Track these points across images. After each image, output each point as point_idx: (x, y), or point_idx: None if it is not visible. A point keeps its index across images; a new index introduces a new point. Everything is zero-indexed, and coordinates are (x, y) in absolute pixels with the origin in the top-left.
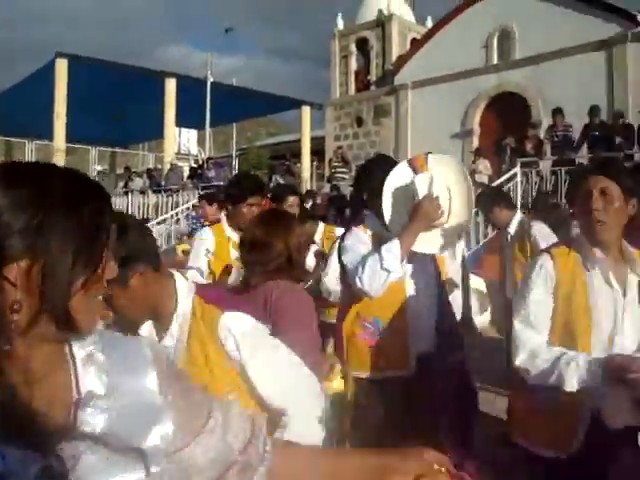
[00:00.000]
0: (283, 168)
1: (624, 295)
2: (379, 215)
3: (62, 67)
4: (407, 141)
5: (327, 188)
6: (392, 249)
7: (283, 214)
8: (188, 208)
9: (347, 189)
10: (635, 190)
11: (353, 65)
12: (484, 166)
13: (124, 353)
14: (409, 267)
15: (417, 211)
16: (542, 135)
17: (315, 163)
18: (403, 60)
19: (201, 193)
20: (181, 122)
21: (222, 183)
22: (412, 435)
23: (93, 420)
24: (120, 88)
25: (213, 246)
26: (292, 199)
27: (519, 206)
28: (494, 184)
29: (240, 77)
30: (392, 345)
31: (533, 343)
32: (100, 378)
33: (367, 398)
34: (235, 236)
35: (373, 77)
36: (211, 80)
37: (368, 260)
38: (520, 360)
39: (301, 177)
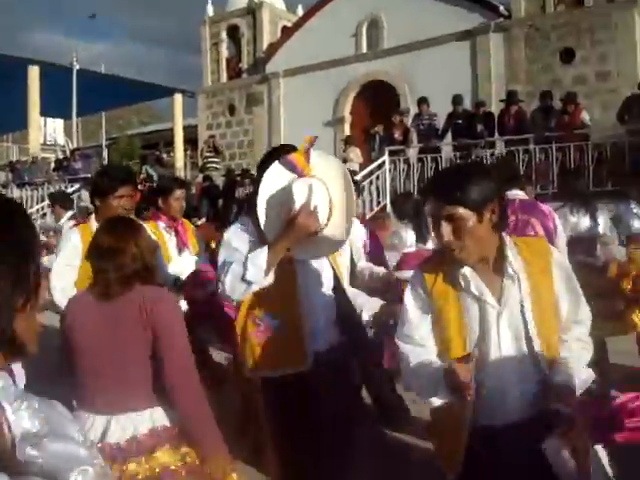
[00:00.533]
0: (153, 158)
1: (500, 303)
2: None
3: None
4: (280, 129)
5: (200, 178)
6: (258, 260)
7: (130, 219)
8: None
9: (219, 179)
10: (488, 196)
11: (224, 53)
12: (355, 154)
13: (52, 407)
14: (301, 261)
15: (292, 224)
16: (410, 122)
17: (189, 152)
18: (274, 48)
19: (70, 186)
20: (47, 111)
21: (90, 175)
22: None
23: (34, 455)
24: None
25: (81, 249)
26: (179, 192)
27: (388, 193)
28: (364, 172)
29: (109, 64)
30: (287, 341)
31: (415, 362)
32: (33, 420)
33: (265, 396)
34: None
35: (245, 65)
36: (77, 67)
37: (232, 266)
38: (405, 383)
39: (174, 167)
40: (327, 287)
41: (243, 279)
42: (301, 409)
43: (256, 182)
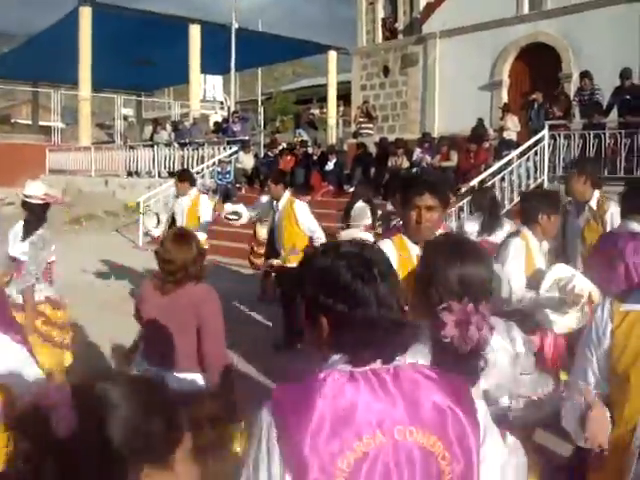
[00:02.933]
0: (306, 120)
1: None
2: None
3: (86, 16)
4: (434, 92)
5: (353, 141)
6: None
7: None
8: (214, 163)
9: (372, 144)
10: None
11: (380, 13)
12: (512, 122)
13: None
14: None
15: None
16: (572, 90)
17: (341, 108)
18: (431, 8)
19: (228, 147)
20: (206, 68)
21: (247, 137)
22: None
23: None
24: (144, 35)
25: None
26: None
27: (546, 169)
28: (522, 148)
29: (266, 17)
30: None
31: None
32: None
33: None
34: (416, 249)
35: (400, 25)
36: (236, 26)
37: None
38: None
39: (327, 124)
40: None
41: None
42: None
43: None
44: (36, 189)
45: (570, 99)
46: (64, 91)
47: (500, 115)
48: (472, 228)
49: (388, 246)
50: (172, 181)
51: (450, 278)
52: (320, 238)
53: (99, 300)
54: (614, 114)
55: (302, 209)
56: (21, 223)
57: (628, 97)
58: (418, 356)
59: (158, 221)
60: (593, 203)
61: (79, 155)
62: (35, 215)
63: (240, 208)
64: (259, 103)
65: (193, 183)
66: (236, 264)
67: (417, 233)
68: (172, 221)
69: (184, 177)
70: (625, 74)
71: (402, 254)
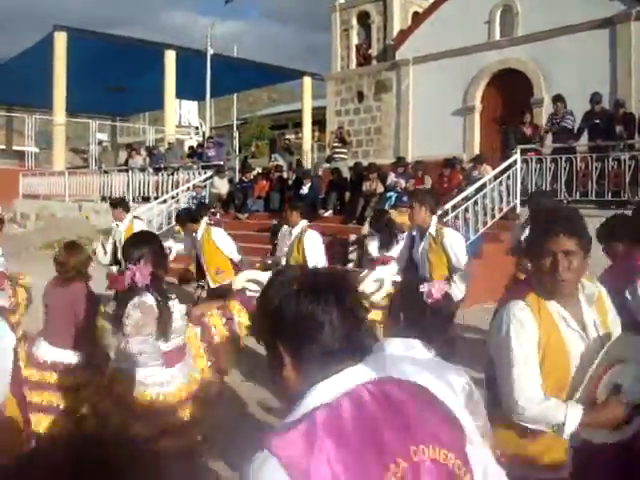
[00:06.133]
0: (282, 145)
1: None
2: None
3: (61, 41)
4: (408, 117)
5: (327, 166)
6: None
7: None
8: (188, 188)
9: (346, 169)
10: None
11: (354, 39)
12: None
13: None
14: None
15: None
16: (544, 115)
17: (316, 133)
18: (404, 35)
19: (203, 172)
20: (182, 94)
21: (221, 162)
22: None
23: None
24: (120, 60)
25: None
26: None
27: (518, 193)
28: (495, 172)
29: (242, 42)
30: None
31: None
32: None
33: None
34: (557, 308)
35: (374, 52)
36: (211, 52)
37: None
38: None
39: (302, 149)
40: None
41: None
42: None
43: None
44: None
45: (537, 125)
46: (38, 116)
47: (472, 166)
48: (373, 245)
49: (524, 312)
50: (147, 206)
51: (135, 255)
52: (236, 258)
53: None
54: (585, 138)
55: (218, 234)
56: None
57: (598, 121)
58: None
59: (105, 250)
60: (432, 229)
61: (53, 180)
62: None
63: (170, 243)
64: (234, 128)
65: (127, 209)
66: None
67: (554, 288)
68: (115, 247)
69: (115, 204)
70: (595, 99)
71: (543, 319)
